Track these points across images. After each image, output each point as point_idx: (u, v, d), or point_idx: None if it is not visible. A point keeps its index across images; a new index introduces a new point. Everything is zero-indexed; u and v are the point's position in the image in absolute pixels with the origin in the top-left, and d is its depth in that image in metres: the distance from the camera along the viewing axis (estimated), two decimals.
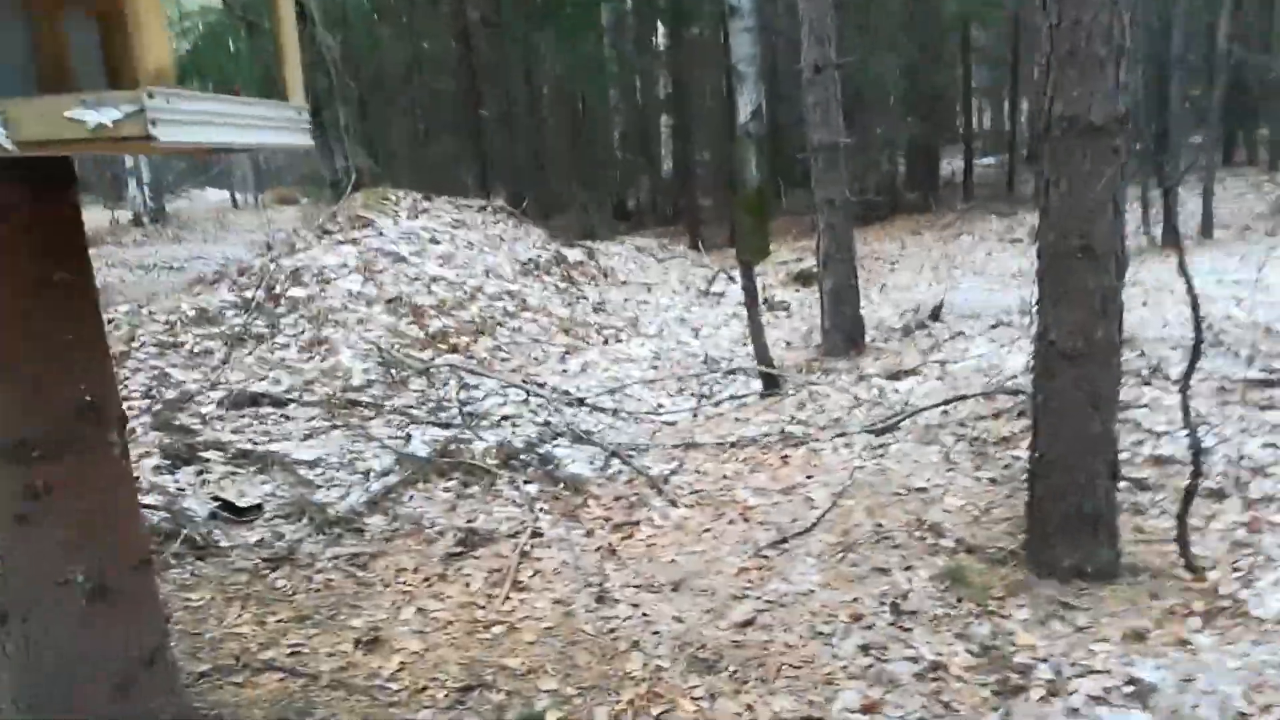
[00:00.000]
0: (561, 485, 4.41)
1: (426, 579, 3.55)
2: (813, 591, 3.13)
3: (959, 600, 2.97)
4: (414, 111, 16.51)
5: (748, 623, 2.98)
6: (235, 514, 4.33)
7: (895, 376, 5.40)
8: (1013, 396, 4.48)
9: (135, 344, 6.27)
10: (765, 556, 3.41)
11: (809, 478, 4.03)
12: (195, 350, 6.13)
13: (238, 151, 2.03)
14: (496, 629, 3.08)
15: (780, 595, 3.13)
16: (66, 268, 1.79)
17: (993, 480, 3.83)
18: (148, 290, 14.02)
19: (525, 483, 4.48)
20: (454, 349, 6.24)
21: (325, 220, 7.73)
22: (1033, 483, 3.15)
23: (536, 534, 3.88)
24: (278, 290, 6.59)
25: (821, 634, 2.87)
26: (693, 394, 5.97)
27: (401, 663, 2.88)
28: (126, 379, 5.92)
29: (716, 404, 5.61)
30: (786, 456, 4.32)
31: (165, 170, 21.26)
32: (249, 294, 6.59)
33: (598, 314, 7.61)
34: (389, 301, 6.52)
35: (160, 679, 2.01)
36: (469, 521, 4.09)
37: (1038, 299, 3.16)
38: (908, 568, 3.20)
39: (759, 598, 3.12)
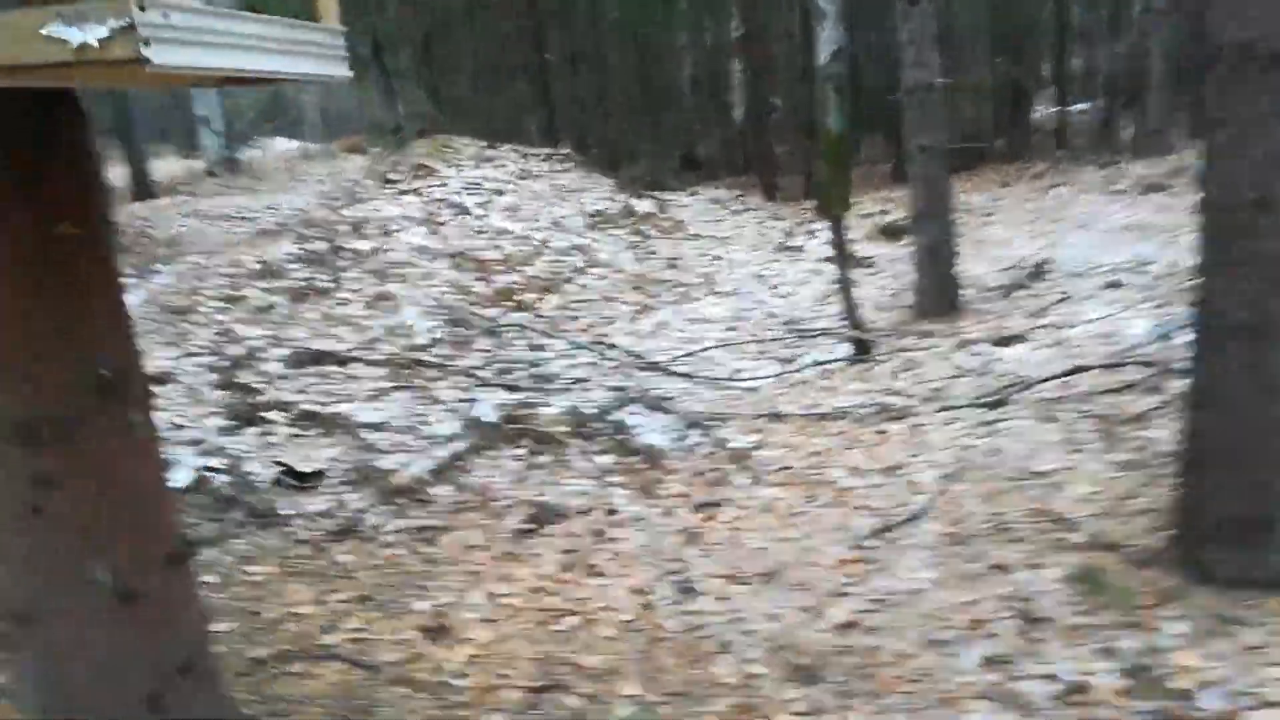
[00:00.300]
0: (636, 457, 4.14)
1: (495, 558, 3.33)
2: (924, 590, 2.80)
3: (1098, 607, 2.60)
4: (477, 55, 16.15)
5: (850, 625, 2.67)
6: (298, 480, 4.19)
7: (1002, 342, 4.96)
8: (1144, 368, 4.02)
9: (200, 298, 6.18)
10: (866, 547, 3.08)
11: (912, 456, 3.67)
12: (260, 305, 6.00)
13: (258, 82, 1.75)
14: (570, 620, 2.83)
15: (886, 594, 2.81)
16: (73, 220, 1.53)
17: (1124, 465, 3.42)
18: (221, 241, 14.17)
19: (597, 453, 4.22)
20: (520, 306, 5.99)
21: (387, 170, 7.51)
22: (1186, 474, 2.74)
23: (611, 511, 3.63)
24: (340, 244, 6.41)
25: (938, 642, 2.55)
26: (774, 358, 5.62)
27: (470, 655, 2.66)
28: (191, 335, 5.83)
29: (801, 370, 5.25)
30: (884, 431, 3.96)
31: (237, 118, 21.40)
32: (311, 247, 6.43)
33: (670, 270, 7.27)
34: (453, 255, 6.29)
35: (198, 687, 1.80)
36: (539, 494, 3.85)
37: (1197, 262, 2.71)
38: (1033, 566, 2.84)
39: (862, 595, 2.81)
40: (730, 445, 4.10)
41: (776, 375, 5.19)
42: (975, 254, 7.98)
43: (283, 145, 23.37)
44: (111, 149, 16.75)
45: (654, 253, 7.46)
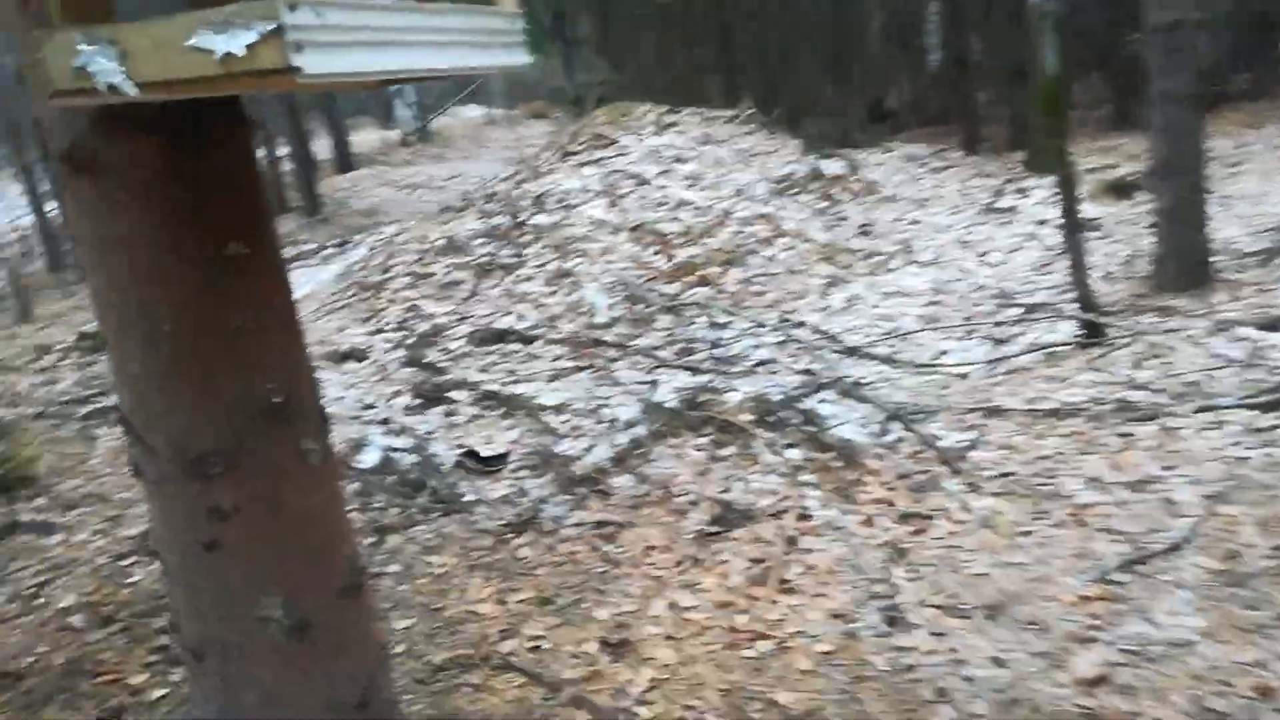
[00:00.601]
0: (830, 453, 3.81)
1: (678, 562, 3.14)
2: (1191, 643, 2.34)
3: None
4: (657, 18, 15.88)
5: (1098, 680, 2.27)
6: (481, 463, 4.19)
7: (1273, 325, 4.20)
8: None
9: (391, 274, 6.37)
10: (1114, 581, 2.63)
11: (1166, 469, 3.13)
12: (445, 281, 6.11)
13: (427, 79, 1.57)
14: (763, 645, 2.60)
15: (1142, 643, 2.37)
16: (241, 238, 1.42)
17: None
18: (411, 210, 14.86)
19: (787, 446, 3.93)
20: (702, 281, 5.75)
21: (567, 141, 7.43)
22: None
23: (803, 516, 3.34)
24: (522, 218, 6.40)
25: (1214, 713, 2.11)
26: (985, 338, 5.08)
27: (653, 679, 2.49)
28: (382, 310, 6.03)
29: (1019, 354, 4.70)
30: (1129, 435, 3.42)
31: (428, 91, 22.34)
32: (495, 222, 6.46)
33: (863, 238, 6.78)
34: (633, 229, 6.12)
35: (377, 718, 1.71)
36: (723, 491, 3.63)
37: None
38: None
39: (1111, 643, 2.39)
40: (939, 443, 3.69)
41: (989, 360, 4.67)
42: (1223, 212, 6.94)
43: (471, 112, 24.25)
44: (317, 124, 17.94)
45: (844, 219, 6.98)
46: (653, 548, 3.27)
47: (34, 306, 10.33)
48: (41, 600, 3.15)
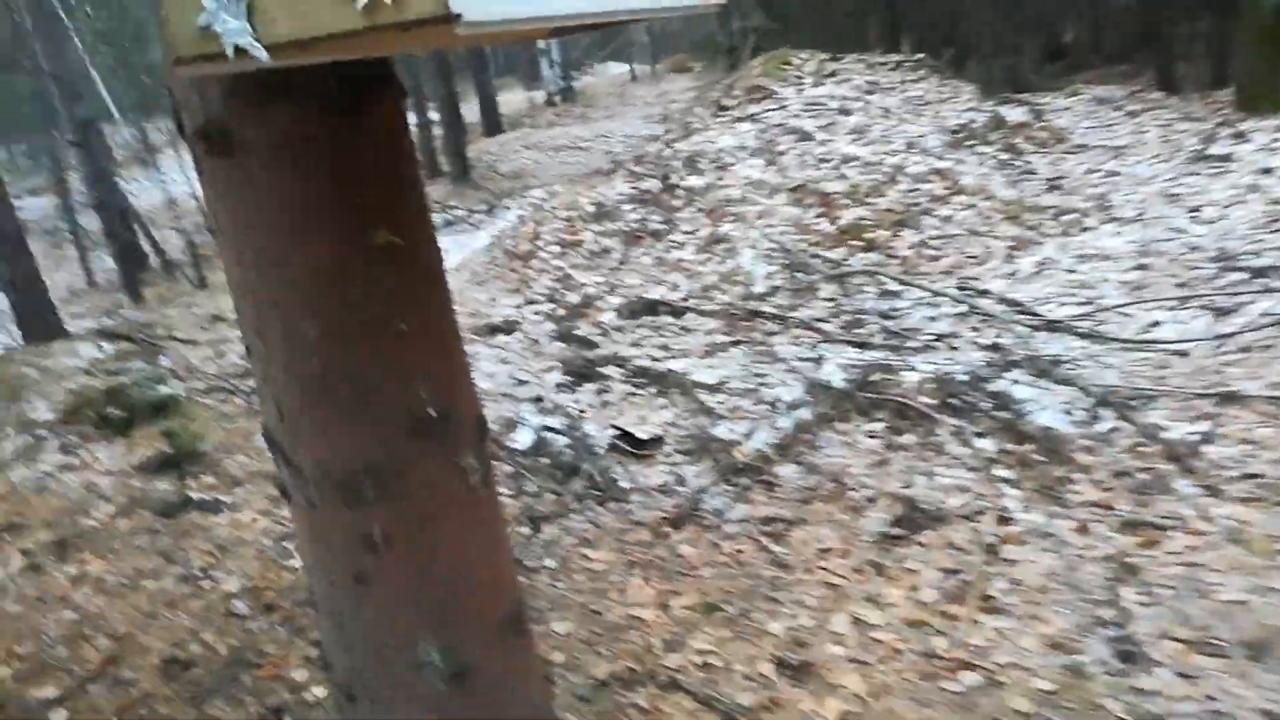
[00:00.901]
0: (1030, 444, 3.39)
1: (858, 569, 2.85)
2: None
3: None
4: None
5: None
6: (635, 446, 4.01)
7: None
8: None
9: (540, 242, 6.27)
10: None
11: None
12: (594, 250, 5.95)
13: (604, 25, 1.32)
14: (968, 677, 2.28)
15: None
16: (391, 225, 1.23)
17: None
18: (558, 173, 14.90)
19: (976, 435, 3.54)
20: (871, 246, 5.32)
21: (721, 95, 7.08)
22: None
23: (1003, 519, 2.97)
24: (673, 180, 6.14)
25: None
26: (1206, 308, 4.44)
27: (842, 712, 2.23)
28: (532, 281, 5.94)
29: (1251, 328, 4.07)
30: None
31: (573, 46, 22.36)
32: (643, 185, 6.23)
33: (1052, 194, 6.12)
34: (793, 190, 5.74)
35: None
36: (905, 487, 3.29)
37: None
38: None
39: None
40: (1164, 435, 3.21)
41: (1215, 336, 4.07)
42: None
43: (614, 69, 24.11)
44: (465, 86, 18.24)
45: (1031, 172, 6.33)
46: (827, 550, 2.99)
47: (210, 275, 10.98)
48: (208, 583, 3.21)
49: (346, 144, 1.21)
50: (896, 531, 3.01)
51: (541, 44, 19.91)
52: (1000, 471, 3.25)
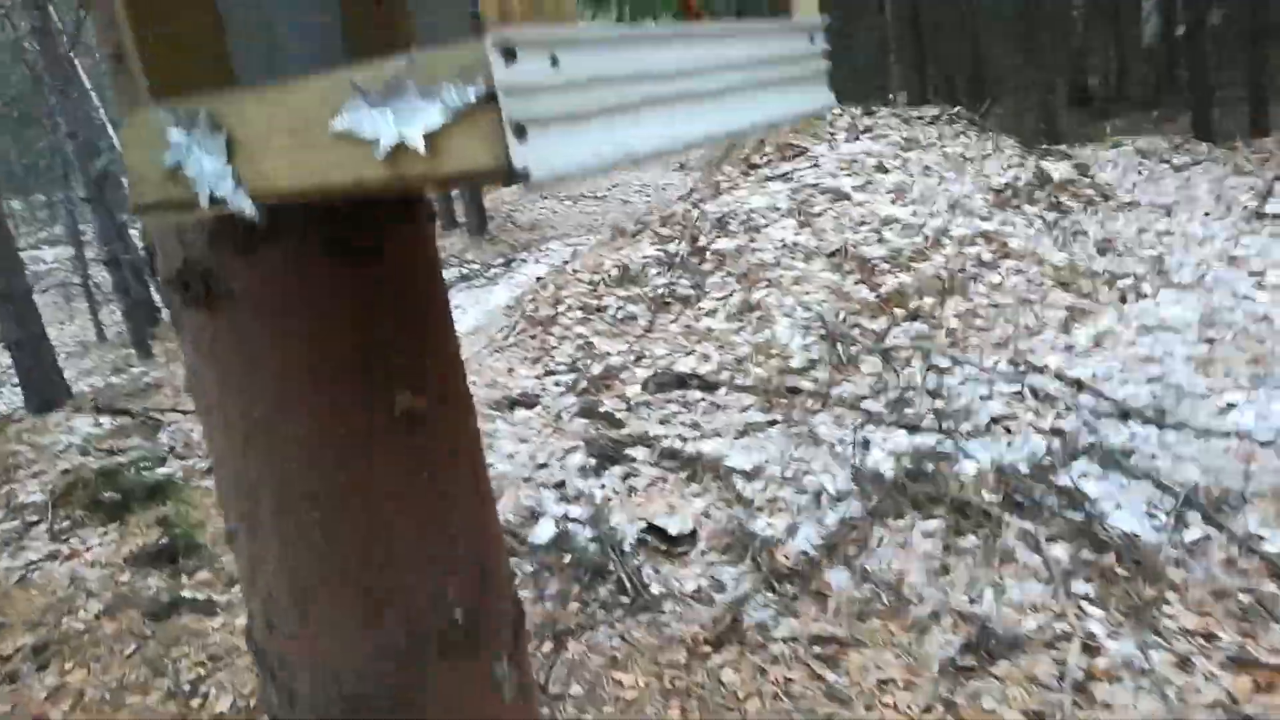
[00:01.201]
0: (1109, 554, 3.10)
1: (927, 708, 2.56)
2: None
3: None
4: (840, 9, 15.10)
5: None
6: (666, 541, 3.75)
7: None
8: None
9: (561, 307, 6.07)
10: None
11: None
12: (619, 316, 5.73)
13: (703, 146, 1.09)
14: None
15: None
16: (415, 387, 0.99)
17: None
18: (576, 224, 14.80)
19: (1047, 539, 3.25)
20: (915, 315, 5.07)
21: (751, 151, 6.90)
22: None
23: (1089, 646, 2.68)
24: (702, 242, 5.93)
25: None
26: None
27: None
28: (553, 349, 5.72)
29: None
30: None
31: None
32: (670, 248, 6.03)
33: (1105, 256, 5.87)
34: (830, 255, 5.52)
35: None
36: (970, 601, 3.01)
37: None
38: None
39: None
40: (1264, 547, 2.91)
41: None
42: None
43: None
44: None
45: (1081, 233, 6.09)
46: (888, 682, 2.70)
47: None
48: (196, 700, 2.96)
49: (361, 292, 0.98)
50: (967, 661, 2.72)
51: None
52: (1079, 586, 2.96)
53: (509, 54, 0.46)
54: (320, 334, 0.97)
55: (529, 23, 0.49)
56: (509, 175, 0.48)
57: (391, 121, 0.51)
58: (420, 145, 0.50)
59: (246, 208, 0.63)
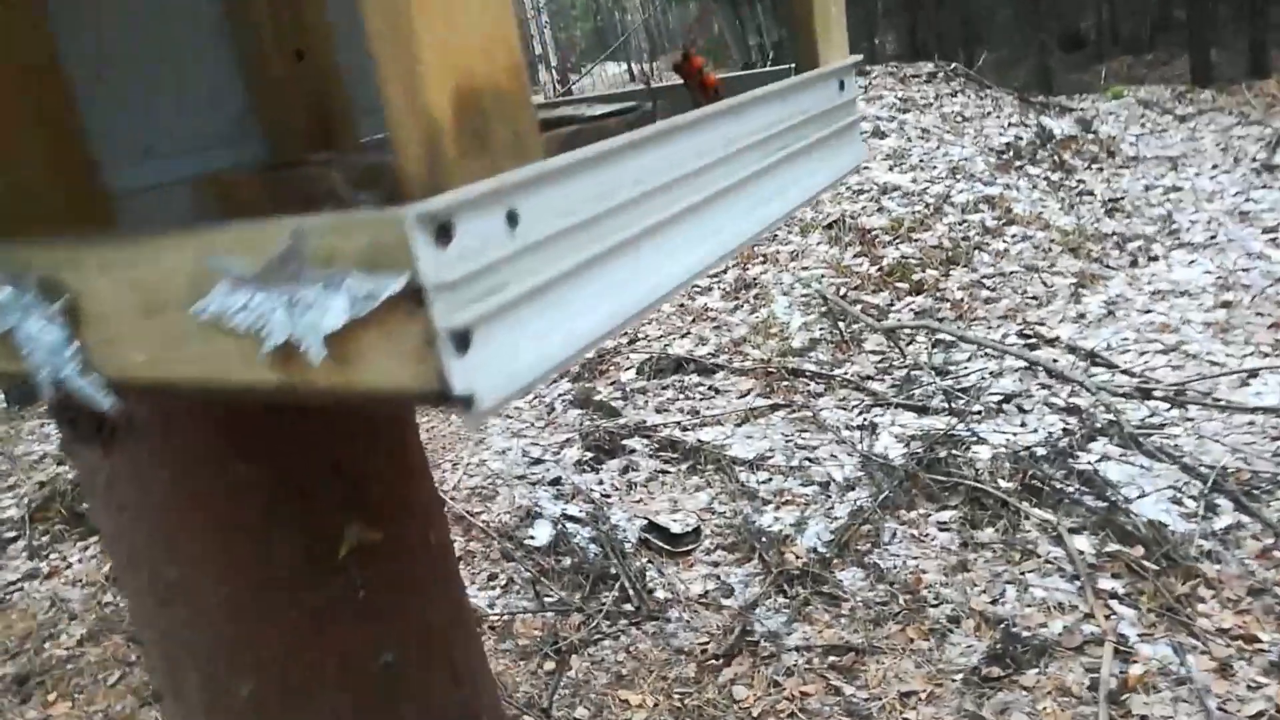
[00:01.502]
0: (1137, 545, 2.97)
1: None
2: None
3: None
4: None
5: None
6: (669, 541, 3.62)
7: None
8: None
9: None
10: None
11: None
12: None
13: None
14: None
15: None
16: (367, 516, 0.83)
17: None
18: None
19: (1069, 530, 3.12)
20: (919, 289, 4.91)
21: None
22: None
23: (1121, 650, 2.55)
24: None
25: None
26: None
27: None
28: None
29: None
30: None
31: (570, 50, 22.04)
32: None
33: (1113, 217, 5.69)
34: (827, 226, 5.33)
35: None
36: (991, 601, 2.89)
37: None
38: None
39: None
40: None
41: None
42: None
43: (613, 69, 23.68)
44: None
45: (1087, 193, 5.90)
46: (911, 695, 2.58)
47: None
48: None
49: (286, 413, 0.81)
50: (992, 671, 2.60)
51: (539, 49, 19.51)
52: (1107, 583, 2.83)
53: (443, 233, 0.30)
54: (240, 473, 0.80)
55: (472, 167, 0.32)
56: (444, 400, 0.32)
57: (280, 313, 0.34)
58: (316, 350, 0.33)
59: (98, 400, 0.47)
